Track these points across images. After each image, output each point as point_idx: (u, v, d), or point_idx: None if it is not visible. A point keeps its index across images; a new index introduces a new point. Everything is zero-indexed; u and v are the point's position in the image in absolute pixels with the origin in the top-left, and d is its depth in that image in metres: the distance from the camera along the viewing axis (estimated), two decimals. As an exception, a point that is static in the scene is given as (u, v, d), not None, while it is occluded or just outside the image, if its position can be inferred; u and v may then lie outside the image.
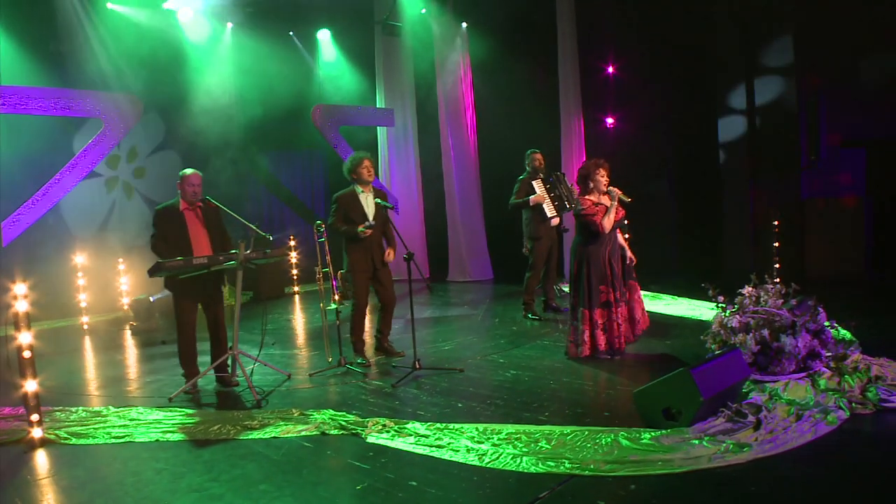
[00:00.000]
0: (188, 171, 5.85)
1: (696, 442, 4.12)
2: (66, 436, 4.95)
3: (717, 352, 5.06)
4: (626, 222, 6.39)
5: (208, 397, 5.79)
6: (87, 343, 8.29)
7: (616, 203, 5.99)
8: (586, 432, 4.38)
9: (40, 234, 8.59)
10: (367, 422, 4.84)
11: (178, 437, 4.87)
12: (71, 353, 7.72)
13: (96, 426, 5.14)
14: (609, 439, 4.23)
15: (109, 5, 8.66)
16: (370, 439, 4.56)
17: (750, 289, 5.56)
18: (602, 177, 6.03)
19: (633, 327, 6.24)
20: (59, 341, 8.27)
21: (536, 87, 10.78)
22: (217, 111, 10.48)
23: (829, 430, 4.26)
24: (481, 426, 4.62)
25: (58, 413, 5.46)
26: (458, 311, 9.30)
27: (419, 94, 11.80)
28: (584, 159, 10.55)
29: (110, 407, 5.56)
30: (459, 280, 11.45)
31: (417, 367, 5.99)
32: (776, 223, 8.64)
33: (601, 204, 6.01)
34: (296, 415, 5.14)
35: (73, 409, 5.51)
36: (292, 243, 10.74)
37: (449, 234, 11.65)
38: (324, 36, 11.80)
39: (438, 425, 4.69)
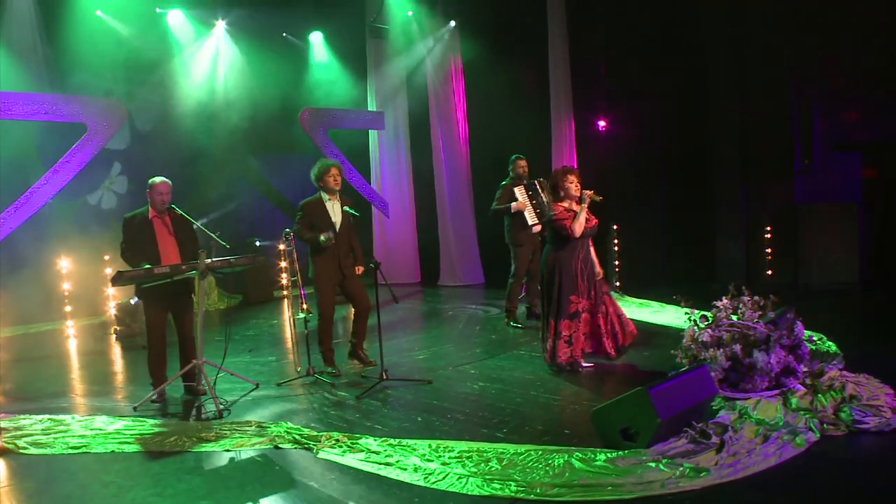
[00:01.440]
0: (157, 179, 5.81)
1: (653, 465, 3.97)
2: (24, 445, 4.89)
3: (683, 368, 4.89)
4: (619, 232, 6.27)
5: (175, 406, 5.73)
6: (69, 348, 8.27)
7: (586, 206, 5.84)
8: (540, 452, 4.24)
9: (24, 238, 8.58)
10: (321, 436, 4.74)
11: (133, 448, 4.80)
12: (51, 357, 7.70)
13: (57, 435, 5.08)
14: (562, 460, 4.09)
15: (98, 13, 8.67)
16: (321, 454, 4.48)
17: (726, 301, 5.38)
18: (571, 183, 5.90)
19: (614, 342, 6.06)
20: (40, 346, 8.26)
21: (527, 90, 10.63)
22: (207, 114, 10.45)
23: (795, 454, 4.09)
24: (434, 443, 4.50)
25: (23, 420, 5.40)
26: (441, 317, 9.20)
27: (410, 97, 11.69)
28: (576, 163, 10.41)
29: (75, 416, 5.49)
30: (450, 284, 11.33)
31: (384, 377, 5.89)
32: (768, 229, 8.43)
33: (572, 210, 5.87)
34: (253, 427, 5.06)
35: (39, 418, 5.45)
36: (282, 248, 10.68)
37: (440, 237, 11.53)
38: (316, 38, 11.73)
39: (392, 441, 4.58)
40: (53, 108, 7.67)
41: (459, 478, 3.98)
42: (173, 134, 10.56)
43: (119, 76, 9.32)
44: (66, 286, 8.96)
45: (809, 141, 8.73)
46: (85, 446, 4.87)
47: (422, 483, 3.97)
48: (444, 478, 4.00)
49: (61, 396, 6.16)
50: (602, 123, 10.57)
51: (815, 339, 6.31)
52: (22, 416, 5.47)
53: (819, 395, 4.59)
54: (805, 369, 5.03)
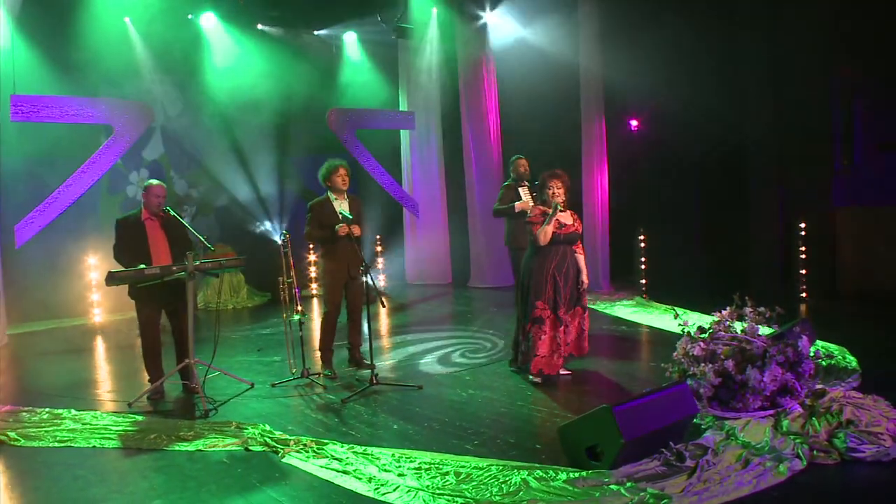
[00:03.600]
0: (153, 181, 5.92)
1: (615, 488, 3.74)
2: (15, 437, 5.04)
3: (663, 384, 4.60)
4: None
5: (168, 404, 5.82)
6: (92, 342, 8.51)
7: (555, 216, 5.56)
8: (500, 467, 4.07)
9: (54, 235, 8.90)
10: (291, 440, 4.70)
11: (113, 444, 4.89)
12: (72, 352, 7.95)
13: (48, 428, 5.22)
14: (519, 478, 3.90)
15: (126, 19, 8.94)
16: (286, 459, 4.44)
17: (726, 311, 5.05)
18: (555, 188, 5.63)
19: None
20: (65, 340, 8.56)
21: (559, 88, 10.33)
22: (240, 116, 10.62)
23: (775, 483, 3.77)
24: (398, 452, 4.39)
25: (24, 413, 5.58)
26: (458, 319, 9.09)
27: (442, 97, 11.56)
28: (606, 163, 10.07)
29: (72, 410, 5.64)
30: (479, 286, 11.16)
31: (374, 382, 5.81)
32: (803, 233, 7.88)
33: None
34: (232, 427, 5.06)
35: (39, 410, 5.62)
36: (312, 246, 10.76)
37: (470, 238, 11.39)
38: (350, 38, 11.76)
39: (357, 449, 4.50)
40: (80, 111, 7.94)
41: (409, 490, 3.86)
42: (204, 134, 10.79)
43: (149, 79, 9.56)
44: (93, 281, 9.18)
45: (850, 140, 8.12)
46: (71, 440, 4.98)
47: (371, 494, 3.87)
48: (394, 490, 3.89)
49: (74, 390, 6.32)
50: (634, 123, 10.18)
51: (833, 353, 5.90)
52: (25, 409, 5.66)
53: (813, 419, 4.23)
54: (807, 389, 4.65)
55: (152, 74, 9.36)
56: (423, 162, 11.81)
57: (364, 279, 6.13)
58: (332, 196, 6.34)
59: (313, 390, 5.96)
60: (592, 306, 9.23)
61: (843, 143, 8.22)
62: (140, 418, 5.39)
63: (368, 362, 6.40)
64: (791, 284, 8.64)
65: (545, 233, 5.52)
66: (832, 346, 6.13)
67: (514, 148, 10.94)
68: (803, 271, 8.27)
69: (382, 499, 3.82)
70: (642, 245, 9.21)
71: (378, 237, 11.46)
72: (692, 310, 8.05)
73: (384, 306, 6.01)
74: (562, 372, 5.89)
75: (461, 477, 3.99)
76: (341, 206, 6.32)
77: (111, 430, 5.17)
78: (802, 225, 8.33)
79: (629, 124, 10.28)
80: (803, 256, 8.16)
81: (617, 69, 9.61)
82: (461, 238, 11.68)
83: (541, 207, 5.68)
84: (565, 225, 5.63)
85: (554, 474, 3.93)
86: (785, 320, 5.54)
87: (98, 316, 9.24)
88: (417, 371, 6.49)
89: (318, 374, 6.28)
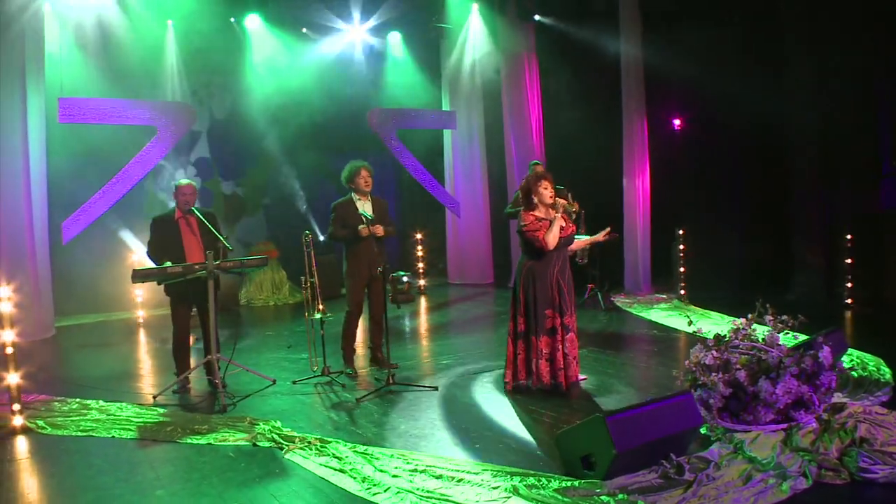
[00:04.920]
0: (183, 181, 6.11)
1: (606, 499, 3.65)
2: (43, 425, 5.29)
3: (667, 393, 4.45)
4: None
5: (192, 398, 5.98)
6: (133, 336, 8.81)
7: (560, 216, 5.40)
8: (494, 473, 4.03)
9: (102, 231, 9.29)
10: (297, 437, 4.78)
11: (131, 435, 5.07)
12: (112, 345, 8.27)
13: (74, 418, 5.46)
14: (510, 485, 3.85)
15: (169, 22, 9.24)
16: (289, 456, 4.51)
17: (744, 319, 4.86)
18: (545, 189, 5.42)
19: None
20: (108, 334, 8.91)
21: (601, 86, 10.13)
22: (284, 116, 10.83)
23: (776, 501, 3.61)
24: (396, 453, 4.42)
25: (56, 403, 5.85)
26: (490, 320, 9.06)
27: (485, 97, 11.51)
28: (647, 163, 9.83)
29: (100, 401, 5.88)
30: (518, 287, 11.07)
31: (391, 382, 5.84)
32: (849, 237, 7.46)
33: (545, 220, 5.42)
34: (246, 423, 5.18)
35: (70, 400, 5.87)
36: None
37: (511, 239, 11.29)
38: (395, 38, 11.83)
39: (359, 448, 4.53)
40: (125, 112, 8.26)
41: (398, 492, 3.87)
42: (249, 134, 11.04)
43: (191, 81, 9.85)
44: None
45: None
46: (93, 430, 5.19)
47: (363, 494, 3.90)
48: (384, 490, 3.90)
49: (106, 382, 6.57)
50: (677, 122, 9.89)
51: (868, 364, 5.59)
52: (57, 399, 5.93)
53: (825, 435, 4.01)
54: (826, 402, 4.42)
55: (195, 76, 9.63)
56: (465, 162, 11.79)
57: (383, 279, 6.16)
58: (355, 197, 6.40)
59: (332, 388, 6.03)
60: (629, 309, 9.06)
61: (892, 143, 7.75)
62: (161, 411, 5.57)
63: (391, 362, 6.47)
64: (835, 290, 8.23)
65: (554, 236, 5.37)
66: (868, 357, 5.82)
67: (556, 147, 10.87)
68: (848, 276, 7.86)
69: (372, 499, 3.84)
70: (681, 247, 8.93)
71: (419, 236, 11.49)
72: (729, 314, 7.82)
73: (399, 308, 6.02)
74: (580, 377, 5.77)
75: (454, 481, 3.97)
76: (364, 206, 6.37)
77: (132, 421, 5.36)
78: (848, 229, 7.92)
79: (672, 123, 9.98)
80: (848, 261, 7.75)
81: (659, 67, 9.36)
82: (503, 238, 11.61)
83: (533, 214, 5.48)
84: (562, 227, 5.48)
85: (546, 482, 3.86)
86: (816, 328, 5.29)
87: (141, 311, 9.57)
88: (438, 371, 6.48)
89: (339, 372, 6.35)
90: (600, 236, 6.03)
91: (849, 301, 8.09)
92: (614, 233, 9.16)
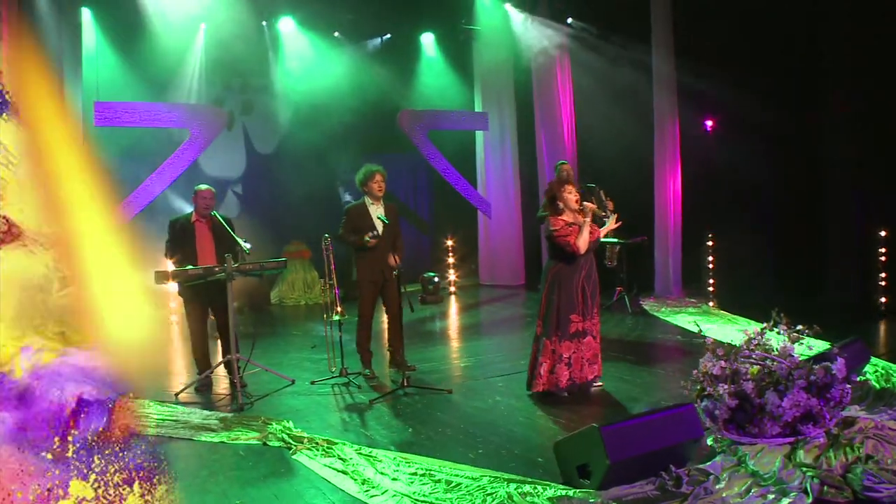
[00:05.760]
0: (202, 186, 6.30)
1: (599, 508, 3.64)
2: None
3: (672, 403, 4.39)
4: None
5: (212, 396, 6.15)
6: (164, 335, 9.00)
7: (589, 220, 5.42)
8: (491, 479, 4.04)
9: (136, 231, 9.56)
10: (305, 437, 4.88)
11: (149, 431, 5.24)
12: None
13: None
14: (505, 492, 3.86)
15: (202, 25, 9.46)
16: (296, 456, 4.60)
17: (756, 328, 4.76)
18: (570, 194, 5.48)
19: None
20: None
21: (633, 87, 9.99)
22: (317, 117, 10.98)
23: (773, 517, 3.55)
24: (399, 456, 4.47)
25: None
26: (515, 323, 9.05)
27: (517, 98, 11.47)
28: (679, 165, 9.67)
29: (126, 397, 6.09)
30: (548, 289, 11.02)
31: (405, 384, 5.90)
32: (884, 248, 7.19)
33: (574, 224, 5.47)
34: (259, 422, 5.30)
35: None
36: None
37: (542, 242, 11.24)
38: (427, 39, 11.88)
39: (364, 450, 4.60)
40: (158, 115, 8.52)
41: (395, 495, 3.92)
42: (281, 135, 11.23)
43: (224, 84, 10.07)
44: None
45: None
46: (115, 426, 5.40)
47: (361, 497, 3.96)
48: (382, 493, 3.96)
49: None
50: (709, 123, 9.69)
51: (892, 375, 5.41)
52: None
53: (830, 450, 3.91)
54: (837, 417, 4.30)
55: (228, 79, 9.84)
56: (496, 163, 11.79)
57: (397, 282, 6.21)
58: (368, 201, 6.46)
59: (348, 390, 6.12)
60: (656, 313, 8.93)
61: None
62: (181, 408, 5.74)
63: (409, 364, 6.53)
64: (869, 296, 7.95)
65: (584, 241, 5.41)
66: (893, 367, 5.62)
67: (588, 148, 10.76)
68: (883, 282, 7.58)
69: (370, 502, 3.89)
70: (711, 249, 8.77)
71: (450, 237, 11.53)
72: (759, 321, 7.63)
73: (412, 311, 6.08)
74: (595, 384, 5.73)
75: (451, 486, 4.00)
76: (378, 211, 6.42)
77: (151, 418, 5.52)
78: (883, 232, 7.64)
79: (704, 125, 9.79)
80: (883, 273, 7.46)
81: (691, 69, 9.19)
82: (534, 240, 11.57)
83: (562, 219, 5.52)
84: (590, 233, 5.50)
85: (542, 490, 3.86)
86: (844, 335, 5.16)
87: (174, 316, 9.81)
88: (456, 374, 6.53)
89: (358, 373, 6.44)
90: (612, 223, 6.10)
91: (882, 306, 7.80)
92: (643, 235, 9.08)
